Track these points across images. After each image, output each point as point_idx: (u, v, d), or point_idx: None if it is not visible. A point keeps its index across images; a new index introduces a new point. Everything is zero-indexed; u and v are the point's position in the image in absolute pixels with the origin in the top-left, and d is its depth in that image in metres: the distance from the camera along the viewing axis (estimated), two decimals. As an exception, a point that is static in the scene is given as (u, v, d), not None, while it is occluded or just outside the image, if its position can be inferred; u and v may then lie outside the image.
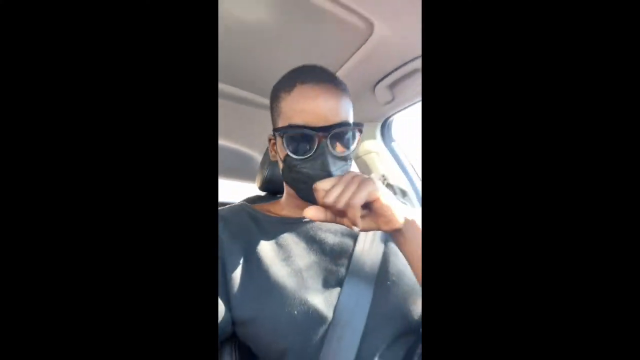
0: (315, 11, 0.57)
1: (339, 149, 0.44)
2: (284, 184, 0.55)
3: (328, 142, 0.43)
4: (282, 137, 0.44)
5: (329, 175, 0.42)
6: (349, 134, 0.45)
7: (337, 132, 0.43)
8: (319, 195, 0.38)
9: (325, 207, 0.38)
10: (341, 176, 0.39)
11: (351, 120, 0.47)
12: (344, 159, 0.45)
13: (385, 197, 0.38)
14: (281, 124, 0.46)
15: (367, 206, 0.39)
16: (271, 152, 0.53)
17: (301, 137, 0.43)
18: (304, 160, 0.43)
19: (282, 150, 0.46)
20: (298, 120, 0.43)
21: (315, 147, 0.43)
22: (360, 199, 0.36)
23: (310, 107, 0.43)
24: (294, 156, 0.44)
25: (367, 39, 0.64)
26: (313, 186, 0.39)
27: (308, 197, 0.46)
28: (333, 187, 0.37)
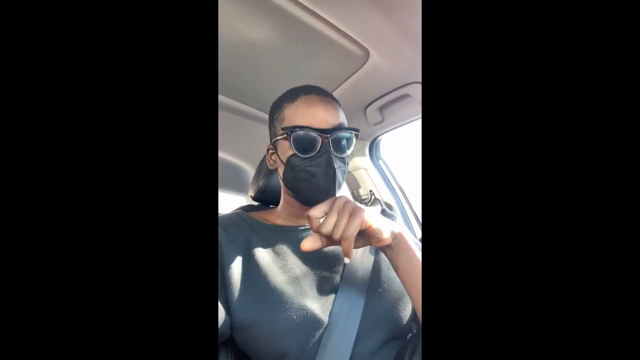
0: (317, 36, 0.61)
1: (339, 149, 0.49)
2: (282, 191, 0.58)
3: (330, 142, 0.48)
4: (288, 138, 0.48)
5: (333, 171, 0.47)
6: (348, 136, 0.50)
7: (338, 134, 0.49)
8: (313, 223, 0.41)
9: (320, 234, 0.41)
10: (332, 201, 0.42)
11: None
12: (343, 160, 0.50)
13: (376, 223, 0.42)
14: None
15: (360, 232, 0.42)
16: (269, 161, 0.57)
17: (307, 137, 0.47)
18: (309, 159, 0.48)
19: (287, 151, 0.49)
20: (301, 123, 0.48)
21: (320, 147, 0.47)
22: (354, 231, 0.39)
23: (312, 112, 0.49)
24: (301, 155, 0.48)
25: (362, 65, 0.70)
26: (306, 214, 0.42)
27: (308, 196, 0.50)
28: (327, 216, 0.41)
